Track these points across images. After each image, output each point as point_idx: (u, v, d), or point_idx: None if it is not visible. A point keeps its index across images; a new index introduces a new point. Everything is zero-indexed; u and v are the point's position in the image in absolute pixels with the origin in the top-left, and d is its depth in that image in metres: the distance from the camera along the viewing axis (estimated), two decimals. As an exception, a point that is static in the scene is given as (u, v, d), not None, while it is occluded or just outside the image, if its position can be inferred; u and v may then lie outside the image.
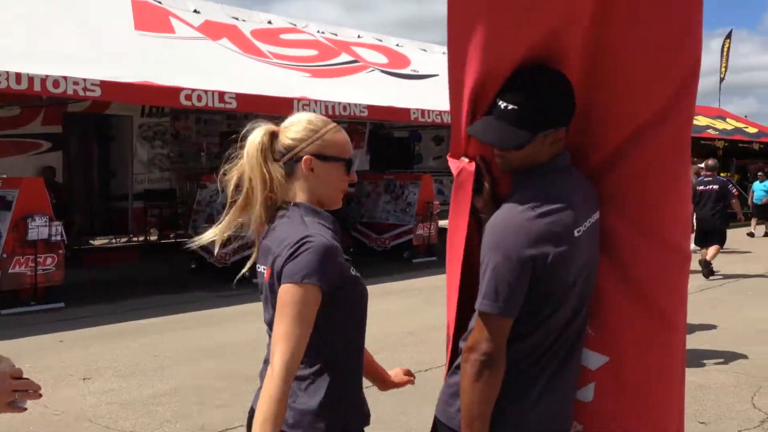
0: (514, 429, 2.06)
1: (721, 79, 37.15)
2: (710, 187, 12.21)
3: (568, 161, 2.13)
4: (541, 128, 2.02)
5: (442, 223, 15.59)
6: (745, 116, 31.91)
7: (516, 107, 2.02)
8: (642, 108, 2.13)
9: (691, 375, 6.39)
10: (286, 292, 1.94)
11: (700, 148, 21.44)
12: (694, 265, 10.96)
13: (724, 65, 36.90)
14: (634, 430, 2.21)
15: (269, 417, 1.85)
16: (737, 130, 26.76)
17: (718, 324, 8.59)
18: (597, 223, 2.13)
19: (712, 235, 12.20)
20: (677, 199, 2.20)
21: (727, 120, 28.13)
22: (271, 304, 2.06)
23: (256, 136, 2.12)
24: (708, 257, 12.16)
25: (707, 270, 12.12)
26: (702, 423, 5.37)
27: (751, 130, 27.85)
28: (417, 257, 14.03)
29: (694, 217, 12.00)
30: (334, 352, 2.08)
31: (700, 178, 12.53)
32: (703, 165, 13.59)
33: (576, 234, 2.01)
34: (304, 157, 2.09)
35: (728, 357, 7.18)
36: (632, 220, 2.16)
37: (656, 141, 2.13)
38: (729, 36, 37.53)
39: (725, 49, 36.98)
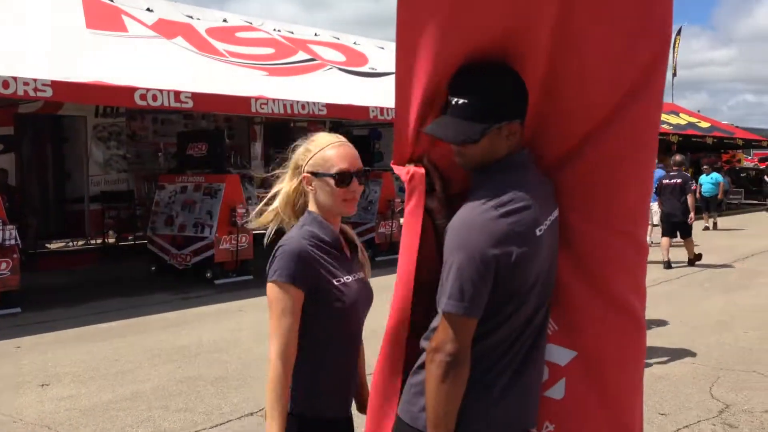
0: (478, 426, 2.06)
1: (673, 75, 37.77)
2: (674, 180, 12.80)
3: (526, 157, 2.14)
4: (494, 120, 2.03)
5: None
6: (698, 111, 32.52)
7: (467, 101, 2.03)
8: (598, 104, 2.14)
9: (650, 367, 6.49)
10: (269, 290, 2.27)
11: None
12: (653, 256, 11.15)
13: (674, 61, 37.52)
14: (605, 426, 2.23)
15: (273, 402, 2.19)
16: (690, 124, 27.25)
17: (675, 316, 8.73)
18: (557, 220, 2.14)
19: (680, 227, 12.81)
20: (633, 193, 2.22)
21: (681, 115, 28.63)
22: None
23: (297, 152, 2.45)
24: (690, 256, 13.06)
25: (695, 263, 13.03)
26: (662, 414, 5.44)
27: (704, 124, 28.40)
28: (379, 255, 14.03)
29: (657, 209, 12.84)
30: (316, 345, 2.34)
31: (662, 173, 13.07)
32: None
33: (538, 233, 2.02)
34: (303, 175, 2.39)
35: (686, 348, 7.30)
36: (587, 214, 2.18)
37: (613, 135, 2.15)
38: (679, 32, 38.17)
39: (676, 45, 37.60)
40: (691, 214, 12.74)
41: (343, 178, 2.33)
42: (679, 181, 12.75)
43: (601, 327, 2.19)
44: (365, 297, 2.46)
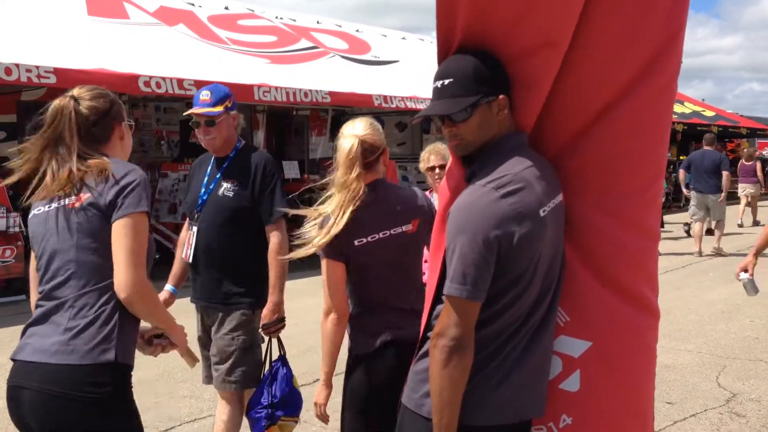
0: (483, 409, 2.05)
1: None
2: None
3: (523, 141, 2.14)
4: (482, 92, 2.06)
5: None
6: (703, 100, 32.38)
7: (452, 80, 2.08)
8: (601, 91, 2.14)
9: (657, 355, 6.46)
10: None
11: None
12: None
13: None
14: (622, 417, 2.21)
15: None
16: (695, 113, 27.11)
17: (681, 305, 8.71)
18: (561, 205, 2.13)
19: None
20: (632, 183, 2.20)
21: (685, 104, 28.47)
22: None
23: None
24: None
25: None
26: (669, 403, 5.43)
27: (709, 113, 28.25)
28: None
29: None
30: None
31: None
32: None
33: (542, 213, 2.01)
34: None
35: (693, 337, 7.29)
36: (595, 204, 2.17)
37: (616, 123, 2.14)
38: (684, 20, 37.92)
39: (681, 34, 37.35)
40: None
41: None
42: None
43: (612, 316, 2.18)
44: None
